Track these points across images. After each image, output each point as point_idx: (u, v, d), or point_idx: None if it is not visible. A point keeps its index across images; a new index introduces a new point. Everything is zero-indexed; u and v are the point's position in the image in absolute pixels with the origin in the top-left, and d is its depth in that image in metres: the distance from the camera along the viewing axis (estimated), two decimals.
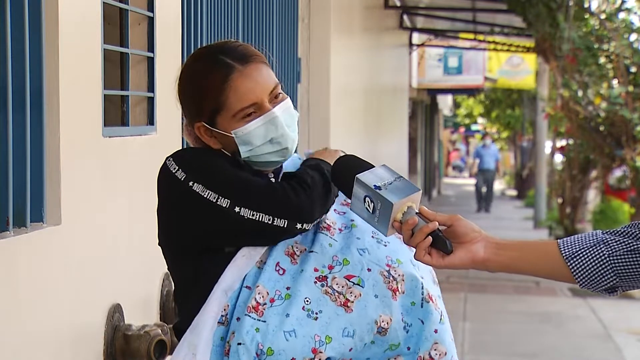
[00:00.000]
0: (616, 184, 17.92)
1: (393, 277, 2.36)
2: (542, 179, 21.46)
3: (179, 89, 2.48)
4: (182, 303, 2.47)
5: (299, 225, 2.34)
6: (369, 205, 2.30)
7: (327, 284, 2.32)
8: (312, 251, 2.36)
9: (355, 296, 2.32)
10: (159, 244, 2.47)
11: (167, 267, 2.49)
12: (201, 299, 2.38)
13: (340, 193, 2.49)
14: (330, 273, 2.34)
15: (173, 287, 2.53)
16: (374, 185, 2.29)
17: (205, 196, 2.32)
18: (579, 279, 2.28)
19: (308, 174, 2.40)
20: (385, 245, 2.41)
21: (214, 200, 2.32)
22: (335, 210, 2.46)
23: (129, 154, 3.61)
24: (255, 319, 2.27)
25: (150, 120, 3.85)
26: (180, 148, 2.52)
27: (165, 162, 2.41)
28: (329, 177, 2.42)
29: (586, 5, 14.87)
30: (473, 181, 26.95)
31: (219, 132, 2.40)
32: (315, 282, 2.32)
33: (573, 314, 10.91)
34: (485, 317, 10.49)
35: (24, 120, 2.84)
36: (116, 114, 3.66)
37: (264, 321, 2.27)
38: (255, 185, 2.34)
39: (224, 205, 2.31)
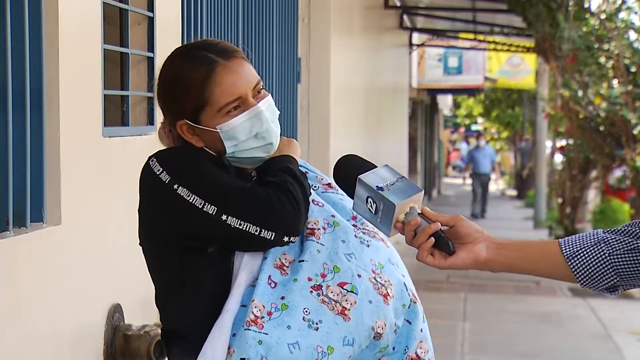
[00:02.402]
0: (616, 184, 17.92)
1: (381, 283, 2.36)
2: (542, 179, 21.46)
3: (158, 89, 2.44)
4: (166, 306, 2.44)
5: (286, 238, 2.31)
6: (371, 206, 2.30)
7: (322, 292, 2.31)
8: (302, 260, 2.34)
9: (351, 304, 2.31)
10: (139, 244, 2.45)
11: (147, 268, 2.47)
12: (186, 302, 2.37)
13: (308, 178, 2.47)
14: (324, 281, 2.32)
15: (154, 289, 2.51)
16: (376, 186, 2.29)
17: (190, 201, 2.29)
18: (579, 278, 2.28)
19: (289, 182, 2.35)
20: (368, 246, 2.40)
21: (200, 206, 2.29)
22: (313, 201, 2.42)
23: (129, 154, 3.61)
24: (256, 331, 2.26)
25: (150, 120, 3.85)
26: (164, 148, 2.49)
27: (148, 162, 2.37)
28: (301, 178, 2.39)
29: (586, 5, 14.86)
30: (468, 181, 25.96)
31: (202, 129, 2.37)
32: (311, 292, 2.30)
33: (573, 314, 10.91)
34: (485, 317, 10.48)
35: (24, 120, 2.84)
36: (116, 114, 3.66)
37: (266, 333, 2.25)
38: (243, 194, 2.31)
39: (211, 212, 2.28)
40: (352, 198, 2.35)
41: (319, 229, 2.39)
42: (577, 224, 16.55)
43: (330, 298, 2.30)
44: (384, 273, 2.38)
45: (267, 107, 2.41)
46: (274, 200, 2.30)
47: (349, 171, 2.37)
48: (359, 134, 10.04)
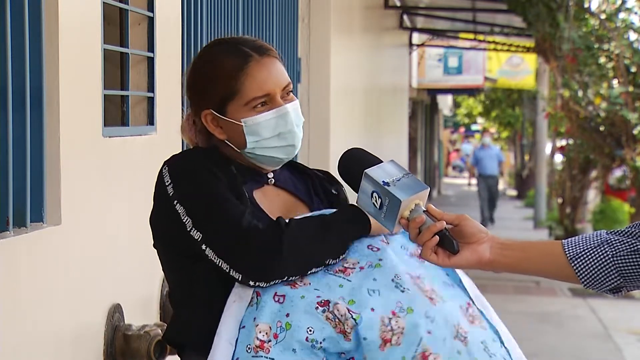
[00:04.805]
0: (616, 184, 17.92)
1: (391, 327, 2.24)
2: (542, 179, 21.45)
3: (189, 77, 2.46)
4: (177, 310, 2.45)
5: (251, 283, 2.28)
6: (376, 201, 2.27)
7: (328, 309, 2.25)
8: (317, 289, 2.28)
9: (350, 328, 2.24)
10: (153, 246, 2.48)
11: (161, 266, 2.50)
12: (194, 308, 2.37)
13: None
14: (332, 299, 2.25)
15: (168, 288, 2.52)
16: (383, 181, 2.26)
17: (183, 220, 2.31)
18: (582, 280, 2.27)
19: (292, 233, 2.27)
20: (403, 292, 2.29)
21: (189, 229, 2.31)
22: (369, 246, 2.35)
23: (129, 154, 3.61)
24: (263, 357, 2.22)
25: (150, 120, 3.84)
26: (180, 151, 2.51)
27: (162, 169, 2.39)
28: (323, 237, 2.30)
29: (586, 5, 14.85)
30: (473, 181, 24.81)
31: (227, 120, 2.39)
32: (317, 308, 2.25)
33: (573, 314, 10.90)
34: None
35: (24, 120, 2.84)
36: (116, 114, 3.66)
37: (272, 358, 2.22)
38: (230, 229, 2.28)
39: (196, 238, 2.30)
40: (356, 192, 2.32)
41: (353, 268, 2.32)
42: (577, 224, 16.54)
43: (335, 315, 2.24)
44: (406, 319, 2.24)
45: (294, 110, 2.43)
46: (253, 244, 2.26)
47: (354, 164, 2.35)
48: (359, 134, 10.04)
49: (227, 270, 2.28)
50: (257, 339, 2.23)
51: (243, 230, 2.28)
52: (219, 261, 2.28)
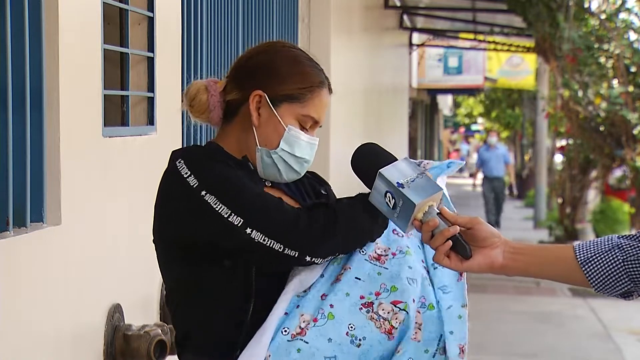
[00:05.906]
0: (616, 184, 17.94)
1: (418, 322, 2.33)
2: (542, 179, 21.45)
3: (256, 55, 2.49)
4: (177, 310, 2.43)
5: (308, 259, 2.29)
6: (389, 201, 2.26)
7: (373, 309, 2.28)
8: (358, 278, 2.32)
9: (399, 322, 2.29)
10: (153, 241, 2.44)
11: (158, 265, 2.46)
12: (198, 308, 2.35)
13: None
14: (376, 299, 2.30)
15: (165, 289, 2.49)
16: (397, 182, 2.24)
17: (217, 209, 2.26)
18: (593, 284, 2.27)
19: (343, 208, 2.34)
20: (429, 286, 2.37)
21: (226, 216, 2.26)
22: (393, 231, 2.41)
23: (129, 154, 3.61)
24: (298, 339, 2.25)
25: (150, 120, 3.84)
26: (186, 146, 2.50)
27: (174, 163, 2.34)
28: (370, 215, 2.35)
29: (586, 5, 14.86)
30: (478, 181, 24.11)
31: (274, 113, 2.39)
32: (361, 309, 2.29)
33: (573, 314, 10.91)
34: (485, 317, 10.48)
35: (24, 120, 2.84)
36: (116, 114, 3.66)
37: (307, 342, 2.24)
38: (274, 209, 2.29)
39: (236, 223, 2.25)
40: (369, 188, 2.31)
41: (386, 255, 2.37)
42: (577, 224, 16.54)
43: (380, 315, 2.28)
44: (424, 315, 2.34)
45: (317, 145, 2.49)
46: (302, 219, 2.29)
47: (369, 162, 2.33)
48: (359, 134, 10.04)
49: (280, 250, 2.26)
50: (299, 327, 2.26)
51: (293, 210, 2.31)
52: (270, 242, 2.25)
